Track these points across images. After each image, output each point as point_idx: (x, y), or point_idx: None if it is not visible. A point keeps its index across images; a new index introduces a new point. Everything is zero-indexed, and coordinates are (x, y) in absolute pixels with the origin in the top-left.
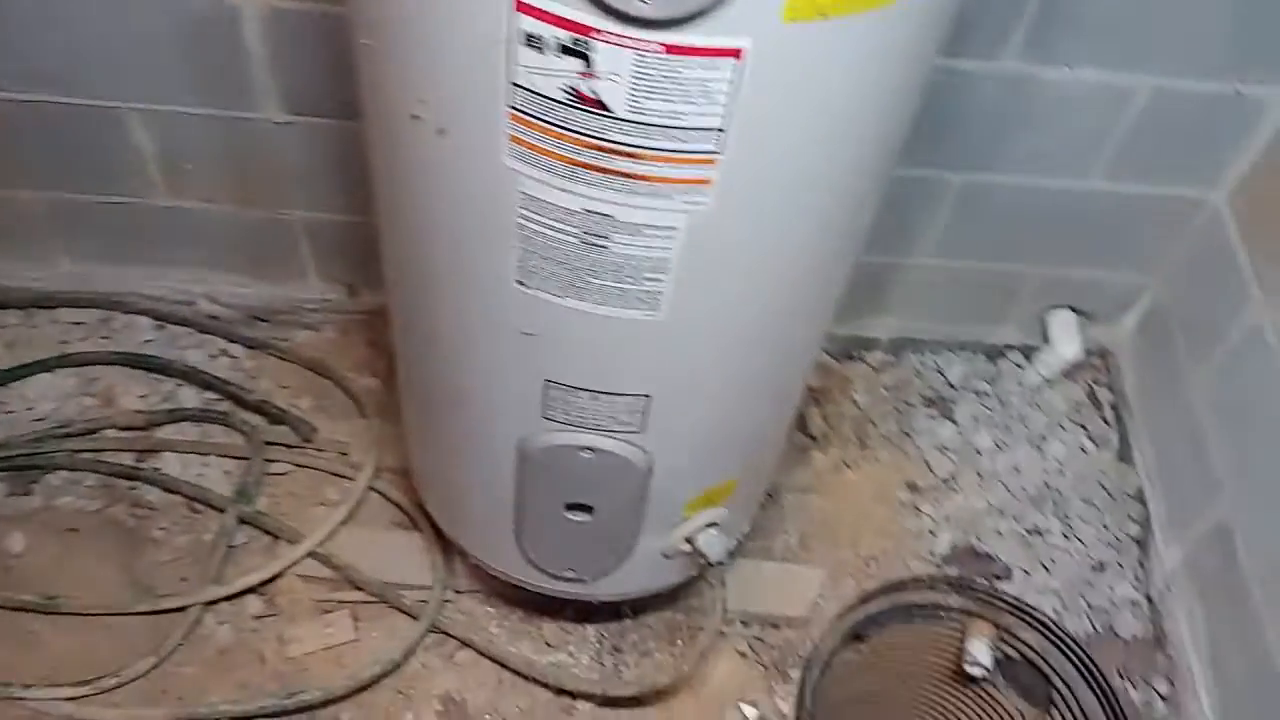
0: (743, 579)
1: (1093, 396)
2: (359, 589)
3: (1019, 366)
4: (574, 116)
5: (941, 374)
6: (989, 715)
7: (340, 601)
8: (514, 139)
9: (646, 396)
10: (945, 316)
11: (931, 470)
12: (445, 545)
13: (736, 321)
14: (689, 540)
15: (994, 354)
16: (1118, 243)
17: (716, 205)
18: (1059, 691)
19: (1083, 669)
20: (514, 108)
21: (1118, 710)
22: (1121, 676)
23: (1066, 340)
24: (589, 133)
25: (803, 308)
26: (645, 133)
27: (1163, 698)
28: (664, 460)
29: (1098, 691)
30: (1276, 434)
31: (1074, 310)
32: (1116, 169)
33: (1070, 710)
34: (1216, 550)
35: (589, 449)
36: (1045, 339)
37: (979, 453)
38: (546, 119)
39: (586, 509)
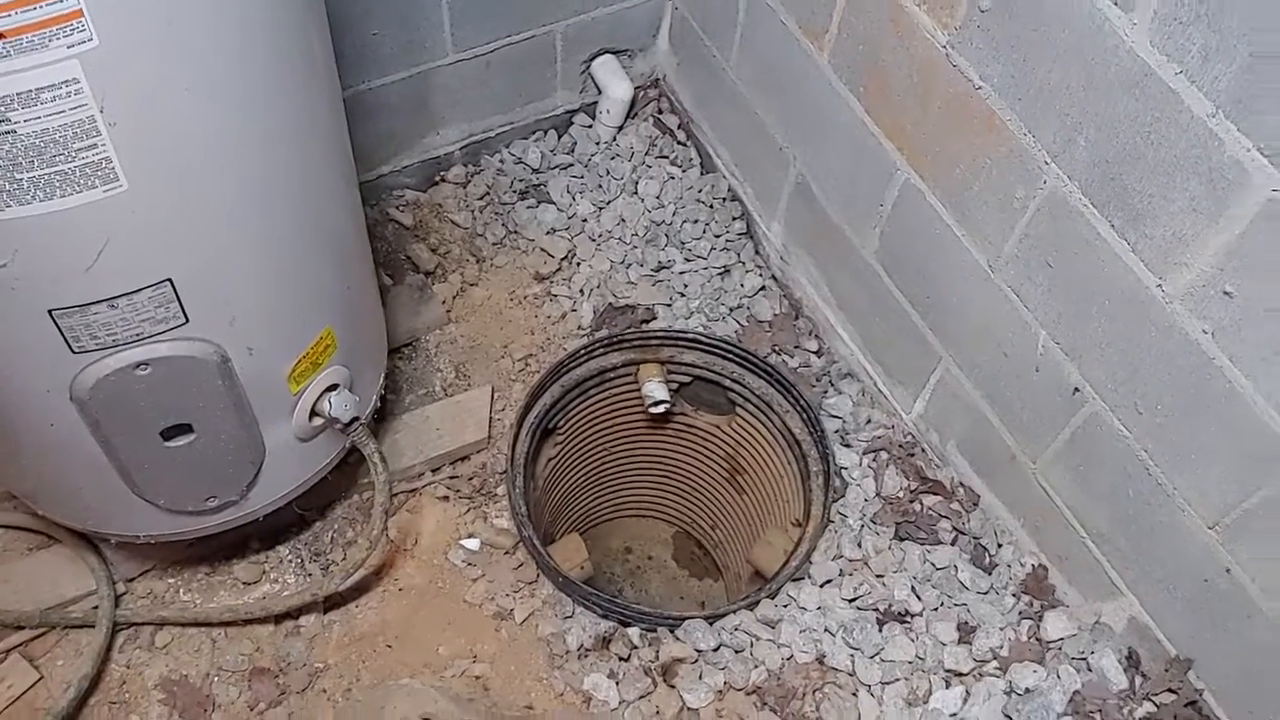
0: (415, 432)
1: (660, 125)
2: (20, 628)
3: (587, 127)
4: None
5: (522, 163)
6: (691, 440)
7: (4, 651)
8: None
9: (167, 281)
10: (500, 106)
11: (550, 255)
12: (91, 542)
13: (211, 170)
14: (315, 413)
15: (560, 125)
16: None
17: (105, 39)
18: (735, 392)
19: (744, 363)
20: None
21: (783, 382)
22: (777, 352)
23: (616, 83)
24: None
25: (285, 135)
26: None
27: (815, 353)
28: (231, 342)
29: (764, 375)
30: (802, 84)
31: (611, 52)
32: None
33: (750, 402)
34: (802, 205)
35: (143, 364)
36: (598, 90)
37: (585, 220)
38: None
39: (184, 429)
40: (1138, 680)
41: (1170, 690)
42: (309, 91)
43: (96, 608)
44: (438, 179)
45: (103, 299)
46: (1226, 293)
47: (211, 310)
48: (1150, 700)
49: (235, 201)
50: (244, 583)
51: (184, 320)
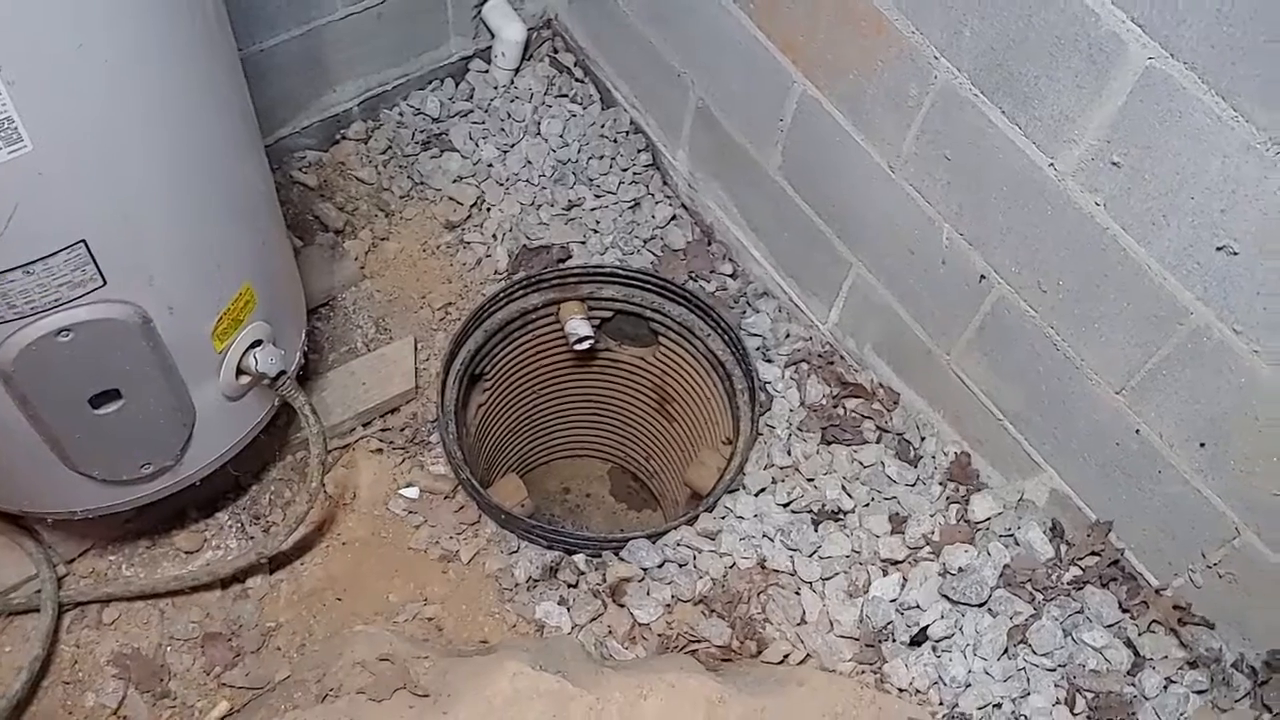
0: (341, 389)
1: (557, 64)
2: None
3: (484, 72)
4: None
5: (422, 114)
6: (618, 374)
7: None
8: None
9: (81, 243)
10: (395, 58)
11: (459, 202)
12: (27, 527)
13: (115, 128)
14: (242, 370)
15: (457, 72)
16: None
17: None
18: (656, 322)
19: (663, 292)
20: None
21: (704, 307)
22: (693, 279)
23: (508, 25)
24: None
25: (184, 90)
26: None
27: (730, 276)
28: (152, 302)
29: (683, 302)
30: (693, 6)
31: None
32: None
33: (672, 330)
34: (705, 131)
35: (64, 330)
36: (492, 34)
37: (490, 166)
38: None
39: (113, 395)
40: (1063, 548)
41: (1094, 553)
42: (204, 45)
43: (39, 591)
44: (338, 137)
45: (17, 265)
46: (1114, 163)
47: (128, 270)
48: (1076, 565)
49: (143, 158)
50: (186, 552)
51: (102, 282)
